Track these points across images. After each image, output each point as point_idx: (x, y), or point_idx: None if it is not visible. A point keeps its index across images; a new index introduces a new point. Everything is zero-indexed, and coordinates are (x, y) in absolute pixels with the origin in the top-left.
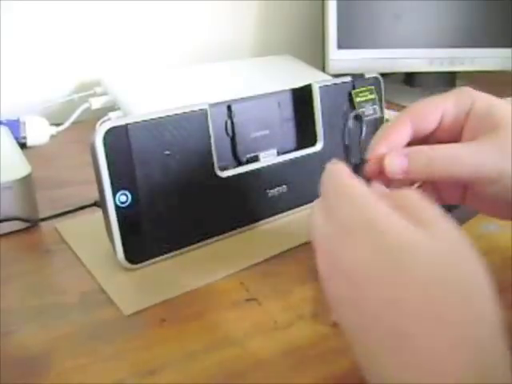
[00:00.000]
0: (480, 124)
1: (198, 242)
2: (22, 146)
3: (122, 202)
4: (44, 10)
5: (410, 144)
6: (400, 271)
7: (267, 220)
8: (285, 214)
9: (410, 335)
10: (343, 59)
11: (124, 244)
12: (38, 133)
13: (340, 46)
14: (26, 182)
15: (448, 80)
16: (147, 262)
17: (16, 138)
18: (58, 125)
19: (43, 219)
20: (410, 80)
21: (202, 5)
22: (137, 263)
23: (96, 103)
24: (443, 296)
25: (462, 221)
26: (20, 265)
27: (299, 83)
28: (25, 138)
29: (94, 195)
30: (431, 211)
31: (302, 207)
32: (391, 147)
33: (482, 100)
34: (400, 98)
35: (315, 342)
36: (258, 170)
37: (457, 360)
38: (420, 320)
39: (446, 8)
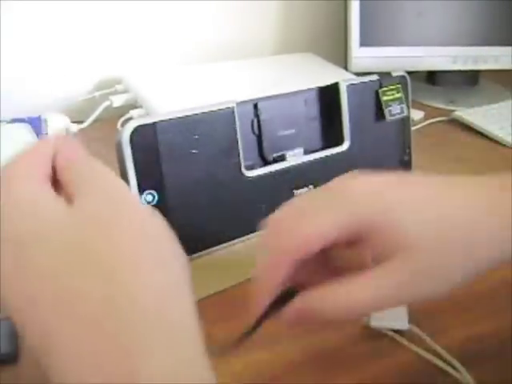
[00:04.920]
0: (381, 242)
1: (224, 242)
2: None
3: (148, 202)
4: (65, 8)
5: None
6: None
7: None
8: None
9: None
10: (366, 57)
11: None
12: (60, 130)
13: (362, 44)
14: None
15: (471, 78)
16: None
17: (37, 136)
18: (79, 122)
19: None
20: (433, 78)
21: (225, 2)
22: None
23: (117, 101)
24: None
25: None
26: None
27: (321, 81)
28: (46, 135)
29: None
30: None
31: None
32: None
33: (374, 216)
34: (422, 96)
35: (344, 346)
36: (284, 169)
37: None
38: (54, 310)
39: (469, 6)
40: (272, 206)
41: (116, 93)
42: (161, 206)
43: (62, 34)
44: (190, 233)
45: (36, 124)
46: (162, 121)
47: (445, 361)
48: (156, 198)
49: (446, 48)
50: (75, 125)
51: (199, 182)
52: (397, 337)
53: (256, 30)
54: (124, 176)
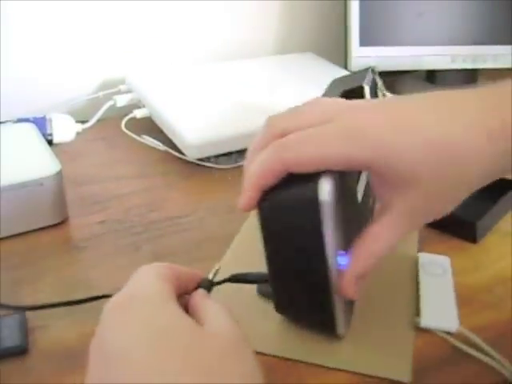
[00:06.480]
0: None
1: None
2: (49, 143)
3: (343, 265)
4: (69, 8)
5: None
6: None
7: None
8: None
9: None
10: (365, 56)
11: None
12: (64, 130)
13: (362, 43)
14: (57, 179)
15: (470, 77)
16: None
17: (42, 135)
18: (83, 122)
19: None
20: (432, 77)
21: (225, 3)
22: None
23: (121, 101)
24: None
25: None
26: (53, 260)
27: (322, 81)
28: (51, 135)
29: (124, 191)
30: (207, 313)
31: None
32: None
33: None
34: None
35: None
36: None
37: None
38: None
39: (468, 5)
40: None
41: (120, 93)
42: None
43: (66, 34)
44: None
45: (41, 124)
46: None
47: (496, 360)
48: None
49: (445, 47)
50: (79, 124)
51: None
52: (447, 337)
53: (256, 30)
54: (312, 240)
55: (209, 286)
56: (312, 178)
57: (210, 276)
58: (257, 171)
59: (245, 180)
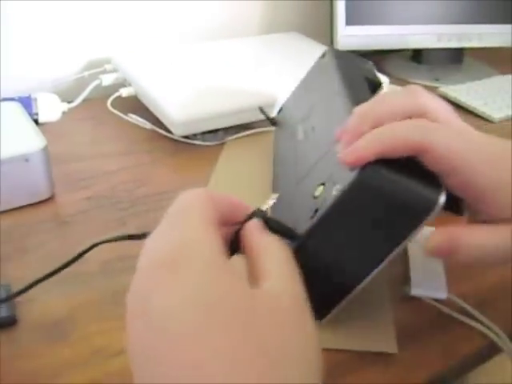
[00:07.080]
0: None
1: None
2: (34, 122)
3: None
4: None
5: None
6: (209, 333)
7: None
8: None
9: None
10: (352, 35)
11: None
12: (50, 109)
13: (348, 23)
14: (42, 155)
15: (456, 56)
16: None
17: (28, 115)
18: (69, 102)
19: None
20: (418, 57)
21: None
22: None
23: (107, 80)
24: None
25: None
26: (39, 235)
27: (307, 60)
28: (37, 114)
29: (111, 168)
30: (268, 262)
31: None
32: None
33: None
34: (407, 74)
35: None
36: None
37: None
38: None
39: None
40: None
41: (105, 72)
42: None
43: (52, 13)
44: None
45: (26, 103)
46: None
47: (484, 324)
48: None
49: (430, 26)
50: (65, 104)
51: None
52: (437, 304)
53: (242, 9)
54: (398, 235)
55: (263, 217)
56: (434, 180)
57: (265, 207)
58: (389, 137)
59: (369, 136)
